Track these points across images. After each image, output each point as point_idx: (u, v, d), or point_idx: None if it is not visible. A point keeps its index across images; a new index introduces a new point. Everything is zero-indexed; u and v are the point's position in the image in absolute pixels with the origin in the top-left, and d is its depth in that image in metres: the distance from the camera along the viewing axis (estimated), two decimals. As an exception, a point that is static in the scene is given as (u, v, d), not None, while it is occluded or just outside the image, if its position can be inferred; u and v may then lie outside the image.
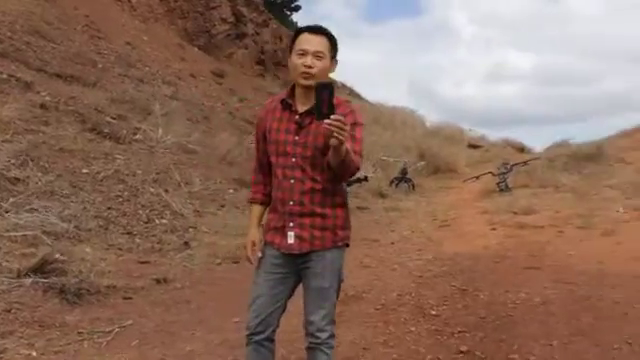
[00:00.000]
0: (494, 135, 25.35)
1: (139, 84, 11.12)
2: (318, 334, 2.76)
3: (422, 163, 13.59)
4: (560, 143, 19.74)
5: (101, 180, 6.85)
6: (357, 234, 7.44)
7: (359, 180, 8.26)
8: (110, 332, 4.21)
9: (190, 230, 6.64)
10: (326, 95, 2.33)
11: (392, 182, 11.77)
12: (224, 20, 18.61)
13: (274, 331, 2.86)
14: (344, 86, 24.51)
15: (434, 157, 14.46)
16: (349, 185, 8.57)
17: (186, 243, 6.11)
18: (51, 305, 4.47)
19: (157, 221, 6.63)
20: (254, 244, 2.84)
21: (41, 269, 4.86)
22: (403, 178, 11.65)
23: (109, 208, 6.53)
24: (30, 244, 5.13)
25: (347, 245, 2.82)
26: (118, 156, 7.62)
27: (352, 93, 24.81)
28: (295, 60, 2.66)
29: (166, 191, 7.52)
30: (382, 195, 10.40)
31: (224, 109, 13.43)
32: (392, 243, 7.21)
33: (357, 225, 7.97)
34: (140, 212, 6.74)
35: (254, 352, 2.87)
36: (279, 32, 21.04)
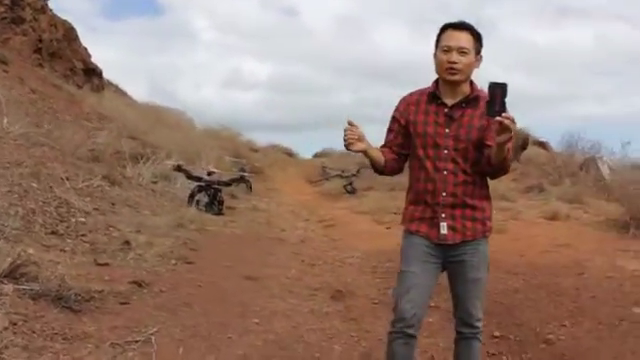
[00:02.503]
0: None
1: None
2: (477, 324, 2.90)
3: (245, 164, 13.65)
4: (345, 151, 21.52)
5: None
6: (258, 233, 7.43)
7: (240, 180, 8.26)
8: (145, 342, 3.77)
9: (111, 229, 6.00)
10: (499, 93, 2.46)
11: (231, 183, 11.68)
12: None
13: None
14: (110, 83, 23.29)
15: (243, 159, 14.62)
16: (229, 185, 8.50)
17: (127, 243, 5.53)
18: (55, 315, 3.84)
19: (72, 219, 5.87)
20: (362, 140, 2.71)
21: (12, 274, 4.13)
22: (242, 179, 11.62)
23: (12, 204, 5.61)
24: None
25: None
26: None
27: (118, 91, 23.70)
28: (440, 56, 2.73)
29: (50, 187, 6.64)
30: (233, 196, 10.31)
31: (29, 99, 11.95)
32: (302, 241, 7.32)
33: (246, 224, 7.95)
34: (47, 210, 5.90)
35: (405, 346, 2.85)
36: (55, 20, 19.26)
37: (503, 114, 2.42)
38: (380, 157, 2.87)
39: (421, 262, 2.79)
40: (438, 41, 2.77)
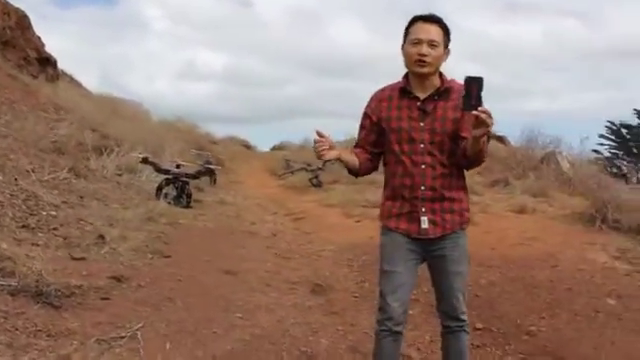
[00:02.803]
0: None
1: None
2: (462, 317, 2.91)
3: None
4: (305, 144, 21.48)
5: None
6: (229, 226, 7.37)
7: (209, 172, 8.16)
8: (131, 337, 3.71)
9: (82, 223, 5.85)
10: (475, 88, 2.45)
11: (199, 176, 11.51)
12: (-54, -16, 15.82)
13: None
14: (64, 73, 22.68)
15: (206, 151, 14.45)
16: (197, 177, 8.39)
17: (101, 237, 5.40)
18: (36, 311, 3.74)
19: (43, 213, 5.71)
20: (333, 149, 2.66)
21: None
22: (210, 171, 11.44)
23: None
24: None
25: None
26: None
27: (72, 81, 23.10)
28: (409, 49, 2.69)
29: (16, 180, 6.44)
30: (199, 189, 10.17)
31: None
32: (274, 235, 7.28)
33: (216, 218, 7.86)
34: (15, 203, 5.72)
35: (394, 343, 2.88)
36: (8, 8, 18.63)
37: (479, 108, 2.42)
38: (354, 160, 2.84)
39: (404, 261, 2.79)
40: (407, 34, 2.74)
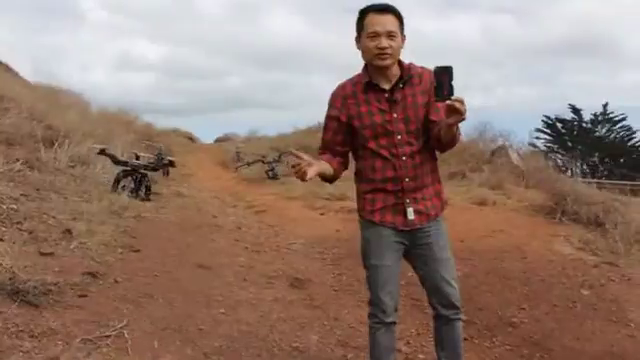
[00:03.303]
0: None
1: None
2: (457, 304, 2.94)
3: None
4: (250, 136, 21.31)
5: None
6: (192, 219, 7.22)
7: (169, 164, 7.98)
8: (117, 336, 3.57)
9: (45, 216, 5.59)
10: (446, 78, 2.45)
11: (158, 168, 11.20)
12: None
13: None
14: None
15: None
16: (156, 170, 8.18)
17: (68, 231, 5.18)
18: (15, 310, 3.56)
19: (3, 206, 5.42)
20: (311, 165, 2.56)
21: None
22: (170, 163, 11.05)
23: None
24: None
25: None
26: None
27: (9, 70, 22.17)
28: (368, 43, 2.65)
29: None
30: (154, 181, 9.91)
31: None
32: (239, 228, 7.17)
33: (177, 211, 7.69)
34: (-29, 196, 5.43)
35: (389, 334, 2.90)
36: None
37: (452, 97, 2.41)
38: (329, 169, 2.78)
39: (391, 253, 2.80)
40: (361, 27, 2.69)
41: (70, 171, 8.32)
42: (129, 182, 7.85)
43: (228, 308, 4.31)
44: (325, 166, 2.75)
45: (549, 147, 36.20)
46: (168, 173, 11.34)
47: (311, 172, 2.55)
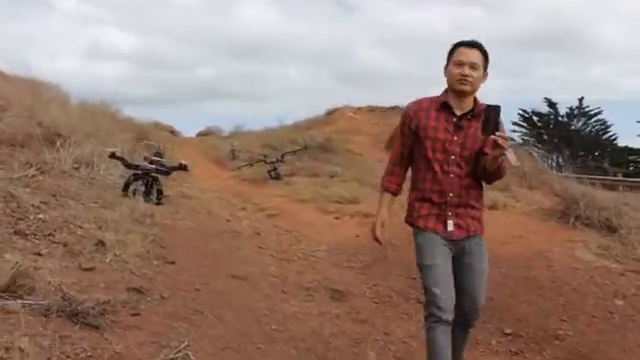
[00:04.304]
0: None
1: None
2: (479, 310, 3.24)
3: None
4: (236, 131, 21.11)
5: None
6: (209, 225, 7.14)
7: (182, 168, 7.87)
8: (183, 359, 3.53)
9: (72, 226, 5.48)
10: (494, 115, 2.87)
11: (170, 171, 10.95)
12: None
13: None
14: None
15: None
16: (168, 173, 8.06)
17: (102, 243, 5.08)
18: (78, 333, 3.49)
19: (31, 216, 5.30)
20: (383, 225, 3.26)
21: (10, 288, 3.72)
22: (180, 166, 10.74)
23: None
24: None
25: None
26: None
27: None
28: (453, 69, 3.09)
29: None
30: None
31: None
32: (258, 234, 7.11)
33: (191, 215, 7.59)
34: (-5, 205, 5.29)
35: (446, 333, 3.06)
36: None
37: (497, 133, 2.83)
38: (391, 198, 3.34)
39: (442, 254, 3.09)
40: (450, 56, 3.13)
41: (76, 174, 8.15)
42: (139, 185, 7.71)
43: (278, 324, 4.28)
44: (385, 207, 3.29)
45: (525, 140, 36.66)
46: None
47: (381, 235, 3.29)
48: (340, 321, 4.47)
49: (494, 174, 3.09)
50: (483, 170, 3.08)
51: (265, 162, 11.61)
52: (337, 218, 7.92)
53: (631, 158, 34.30)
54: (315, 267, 5.83)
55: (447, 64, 3.15)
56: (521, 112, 37.47)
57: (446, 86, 3.17)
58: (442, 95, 3.17)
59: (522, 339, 4.41)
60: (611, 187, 12.15)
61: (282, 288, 5.10)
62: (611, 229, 7.13)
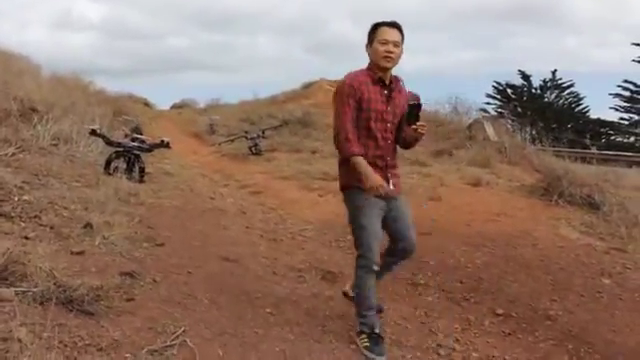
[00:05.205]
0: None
1: None
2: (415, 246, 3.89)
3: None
4: (212, 104, 20.85)
5: None
6: (193, 203, 7.08)
7: (164, 145, 7.76)
8: (181, 345, 3.52)
9: (57, 207, 5.38)
10: (417, 110, 3.64)
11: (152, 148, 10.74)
12: None
13: None
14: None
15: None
16: (150, 150, 7.95)
17: (89, 225, 5.00)
18: (74, 321, 3.45)
19: (15, 197, 5.20)
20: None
21: (1, 274, 3.64)
22: (162, 143, 10.48)
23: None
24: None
25: None
26: None
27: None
28: (378, 47, 3.56)
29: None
30: (136, 158, 9.61)
31: None
32: (244, 213, 7.07)
33: (174, 194, 7.50)
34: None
35: (373, 278, 3.76)
36: None
37: (418, 123, 3.58)
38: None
39: (377, 216, 3.66)
40: (373, 35, 3.61)
41: (56, 151, 7.99)
42: (121, 163, 7.59)
43: (272, 307, 4.27)
44: (371, 169, 3.59)
45: (499, 112, 36.86)
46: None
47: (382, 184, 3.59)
48: (334, 303, 4.47)
49: (411, 145, 3.86)
50: (404, 140, 3.79)
51: (246, 138, 11.48)
52: (321, 196, 7.88)
53: (602, 130, 34.72)
54: (304, 247, 5.81)
55: (370, 42, 3.62)
56: (495, 84, 37.67)
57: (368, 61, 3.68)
58: (371, 70, 3.64)
59: (514, 319, 4.44)
60: (585, 160, 12.35)
61: (273, 270, 5.08)
62: (593, 206, 7.24)
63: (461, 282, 5.10)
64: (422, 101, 3.75)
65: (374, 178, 3.51)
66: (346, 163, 3.64)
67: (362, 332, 3.74)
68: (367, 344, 3.66)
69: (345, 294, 4.32)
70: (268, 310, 4.22)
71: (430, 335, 4.13)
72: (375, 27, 3.60)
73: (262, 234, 6.15)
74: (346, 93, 3.59)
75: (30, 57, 19.02)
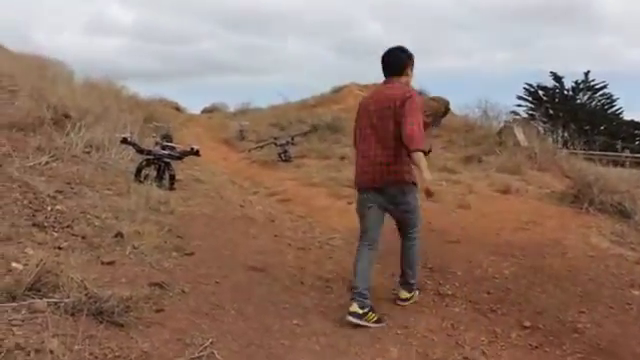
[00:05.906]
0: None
1: None
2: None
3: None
4: (243, 108, 21.01)
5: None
6: (223, 211, 7.14)
7: (194, 153, 7.84)
8: (209, 357, 3.56)
9: (89, 217, 5.48)
10: None
11: (182, 156, 10.86)
12: None
13: None
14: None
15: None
16: (180, 158, 8.04)
17: (120, 235, 5.09)
18: (104, 333, 3.51)
19: (48, 207, 5.30)
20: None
21: (34, 285, 3.74)
22: (192, 151, 10.50)
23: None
24: None
25: None
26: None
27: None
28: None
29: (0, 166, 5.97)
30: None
31: None
32: (272, 221, 7.11)
33: (204, 201, 7.57)
34: (15, 196, 5.30)
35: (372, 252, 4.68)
36: None
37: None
38: None
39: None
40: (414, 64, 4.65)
41: (88, 158, 8.13)
42: (152, 171, 7.69)
43: (299, 318, 4.30)
44: None
45: (531, 115, 36.45)
46: (179, 155, 11.08)
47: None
48: (359, 315, 4.47)
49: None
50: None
51: (276, 144, 11.54)
52: (350, 203, 7.83)
53: (637, 132, 34.14)
54: (332, 256, 5.82)
55: (411, 69, 4.61)
56: (526, 86, 37.27)
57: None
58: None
59: (541, 332, 4.40)
60: (618, 163, 12.18)
61: (300, 279, 5.10)
62: (624, 214, 7.12)
63: (488, 293, 5.06)
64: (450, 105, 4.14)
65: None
66: (410, 159, 4.28)
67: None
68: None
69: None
70: (295, 321, 4.25)
71: (457, 347, 4.12)
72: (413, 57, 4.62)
73: (290, 243, 6.18)
74: (420, 106, 4.45)
75: (64, 62, 19.34)
